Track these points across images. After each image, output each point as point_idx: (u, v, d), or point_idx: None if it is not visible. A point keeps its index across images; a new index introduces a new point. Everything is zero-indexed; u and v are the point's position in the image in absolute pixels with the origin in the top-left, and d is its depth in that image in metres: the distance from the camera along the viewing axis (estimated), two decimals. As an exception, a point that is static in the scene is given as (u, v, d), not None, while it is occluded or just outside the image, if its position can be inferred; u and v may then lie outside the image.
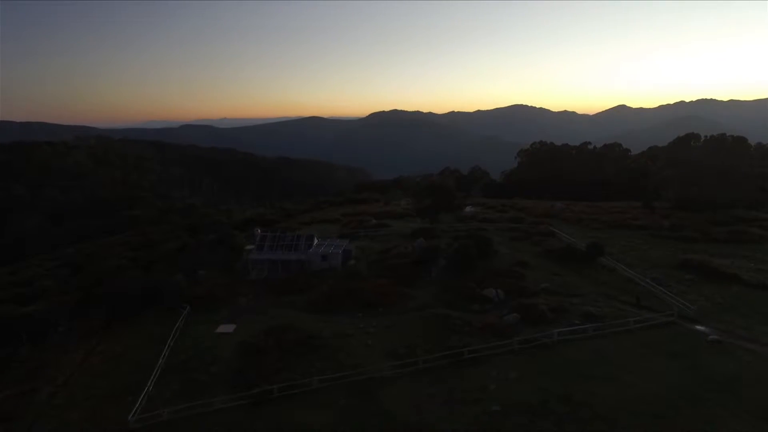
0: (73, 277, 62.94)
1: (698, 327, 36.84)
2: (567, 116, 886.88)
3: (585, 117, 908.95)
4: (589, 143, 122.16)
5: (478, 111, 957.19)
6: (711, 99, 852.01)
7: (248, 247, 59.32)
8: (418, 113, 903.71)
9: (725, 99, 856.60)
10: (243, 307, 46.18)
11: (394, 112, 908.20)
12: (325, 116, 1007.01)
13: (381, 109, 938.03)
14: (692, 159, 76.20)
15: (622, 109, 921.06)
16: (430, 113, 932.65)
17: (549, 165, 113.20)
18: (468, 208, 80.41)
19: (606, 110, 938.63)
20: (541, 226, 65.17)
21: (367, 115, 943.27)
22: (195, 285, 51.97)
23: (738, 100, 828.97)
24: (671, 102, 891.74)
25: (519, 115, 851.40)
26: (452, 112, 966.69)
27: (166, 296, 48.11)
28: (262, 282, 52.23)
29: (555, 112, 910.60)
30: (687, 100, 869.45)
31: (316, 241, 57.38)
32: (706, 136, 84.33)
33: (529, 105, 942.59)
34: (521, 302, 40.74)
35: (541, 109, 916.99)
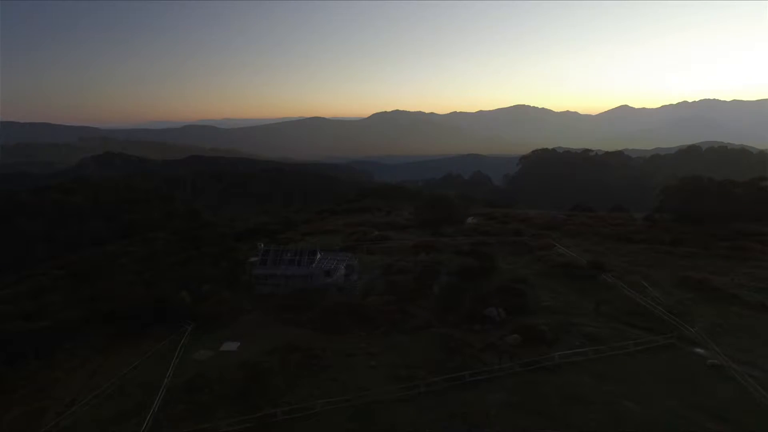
0: (79, 290, 62.63)
1: (698, 350, 37.09)
2: (569, 116, 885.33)
3: (587, 117, 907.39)
4: (591, 151, 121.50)
5: (480, 111, 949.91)
6: (714, 99, 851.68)
7: (252, 259, 59.73)
8: (419, 113, 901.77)
9: (728, 99, 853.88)
10: (247, 324, 46.28)
11: (396, 112, 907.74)
12: (327, 116, 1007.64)
13: (383, 110, 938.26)
14: (694, 171, 76.45)
15: (624, 109, 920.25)
16: (432, 113, 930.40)
17: (551, 172, 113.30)
18: (470, 219, 79.87)
19: (608, 110, 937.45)
20: (541, 240, 64.98)
21: (369, 115, 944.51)
22: (199, 301, 51.86)
23: (741, 101, 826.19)
24: (674, 102, 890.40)
25: (521, 115, 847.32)
26: (454, 113, 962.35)
27: (170, 313, 48.19)
28: (266, 298, 52.49)
29: (557, 113, 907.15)
30: (690, 100, 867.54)
31: (319, 255, 57.62)
32: (707, 148, 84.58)
33: (531, 105, 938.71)
34: (522, 322, 40.77)
35: (543, 109, 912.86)
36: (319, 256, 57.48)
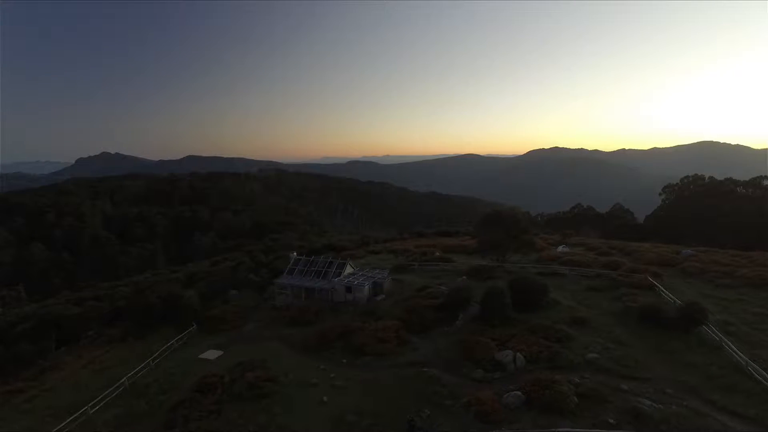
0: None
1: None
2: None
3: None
4: (766, 177, 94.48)
5: (655, 148, 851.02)
6: None
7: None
8: (581, 150, 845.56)
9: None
10: (245, 334, 44.00)
11: (555, 149, 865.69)
12: (482, 153, 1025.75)
13: (540, 147, 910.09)
14: None
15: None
16: (595, 150, 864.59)
17: (703, 203, 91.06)
18: (561, 248, 68.42)
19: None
20: (637, 276, 48.93)
21: (525, 152, 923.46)
22: (216, 304, 51.35)
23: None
24: None
25: (707, 153, 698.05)
26: (622, 150, 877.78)
27: (172, 313, 48.32)
28: (282, 309, 49.10)
29: (756, 150, 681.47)
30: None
31: (348, 269, 52.39)
32: None
33: (721, 142, 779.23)
34: (539, 377, 28.78)
35: (736, 146, 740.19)
36: (348, 270, 52.34)
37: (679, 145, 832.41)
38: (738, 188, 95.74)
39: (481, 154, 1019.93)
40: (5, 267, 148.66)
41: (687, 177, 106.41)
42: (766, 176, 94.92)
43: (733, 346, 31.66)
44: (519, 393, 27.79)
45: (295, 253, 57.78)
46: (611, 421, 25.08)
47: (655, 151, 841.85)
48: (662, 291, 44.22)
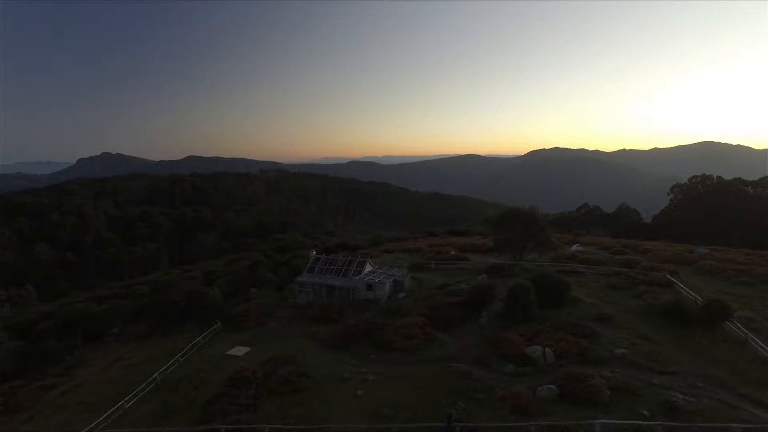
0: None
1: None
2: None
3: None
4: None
5: (656, 149, 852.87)
6: None
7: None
8: (582, 151, 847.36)
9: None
10: (269, 331, 44.54)
11: (556, 149, 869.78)
12: (482, 154, 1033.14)
13: (541, 147, 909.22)
14: None
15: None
16: (596, 151, 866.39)
17: (712, 203, 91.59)
18: (575, 247, 69.37)
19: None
20: (655, 274, 49.61)
21: (525, 153, 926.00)
22: (237, 302, 51.91)
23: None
24: None
25: (709, 153, 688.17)
26: (623, 150, 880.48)
27: (196, 311, 48.87)
28: (303, 306, 49.87)
29: (758, 150, 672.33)
30: None
31: (368, 267, 53.07)
32: None
33: (722, 142, 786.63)
34: (571, 371, 29.53)
35: (738, 146, 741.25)
36: (368, 268, 53.02)
37: (680, 146, 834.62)
38: (747, 188, 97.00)
39: (481, 154, 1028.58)
40: (9, 267, 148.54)
41: (695, 177, 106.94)
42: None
43: (759, 341, 32.24)
44: (553, 386, 28.42)
45: (314, 252, 58.40)
46: (646, 413, 25.67)
47: (656, 152, 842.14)
48: (682, 288, 44.80)
